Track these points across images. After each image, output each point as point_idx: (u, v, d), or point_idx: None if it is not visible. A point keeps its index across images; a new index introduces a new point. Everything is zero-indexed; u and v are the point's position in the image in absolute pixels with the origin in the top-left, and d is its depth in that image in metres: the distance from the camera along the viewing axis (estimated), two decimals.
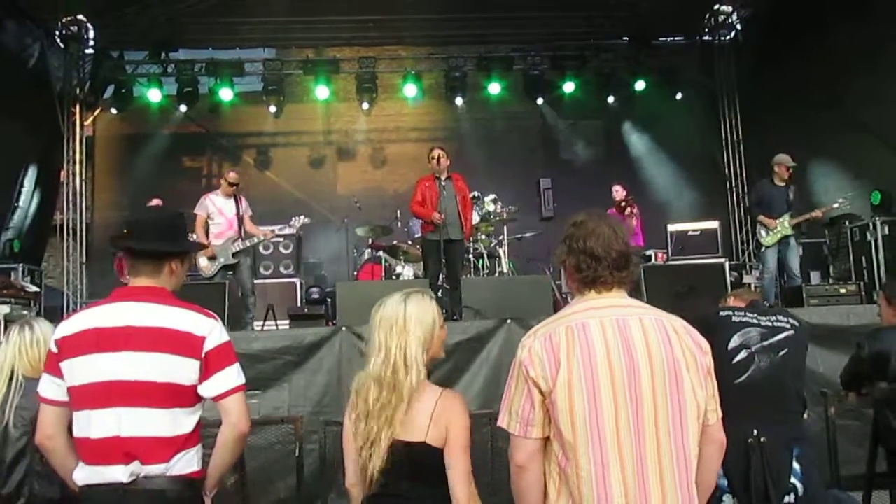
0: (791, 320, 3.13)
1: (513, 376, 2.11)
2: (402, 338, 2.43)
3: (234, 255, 7.63)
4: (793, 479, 2.88)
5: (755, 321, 3.08)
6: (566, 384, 1.99)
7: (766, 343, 3.00)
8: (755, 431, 2.88)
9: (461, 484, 2.35)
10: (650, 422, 1.99)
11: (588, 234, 2.16)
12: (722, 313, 3.16)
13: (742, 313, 3.13)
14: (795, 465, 2.90)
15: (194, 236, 7.62)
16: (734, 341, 3.00)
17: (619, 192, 9.81)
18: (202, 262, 7.67)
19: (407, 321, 2.45)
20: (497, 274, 9.33)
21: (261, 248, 9.77)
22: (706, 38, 13.11)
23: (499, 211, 9.54)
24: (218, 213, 7.75)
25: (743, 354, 2.99)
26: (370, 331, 2.52)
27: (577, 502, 1.99)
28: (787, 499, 2.86)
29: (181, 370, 2.39)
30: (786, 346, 3.02)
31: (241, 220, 7.80)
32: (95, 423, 2.34)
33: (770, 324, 3.08)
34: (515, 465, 2.09)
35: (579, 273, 2.17)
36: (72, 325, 2.45)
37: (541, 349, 2.05)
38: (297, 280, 9.94)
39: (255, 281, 8.38)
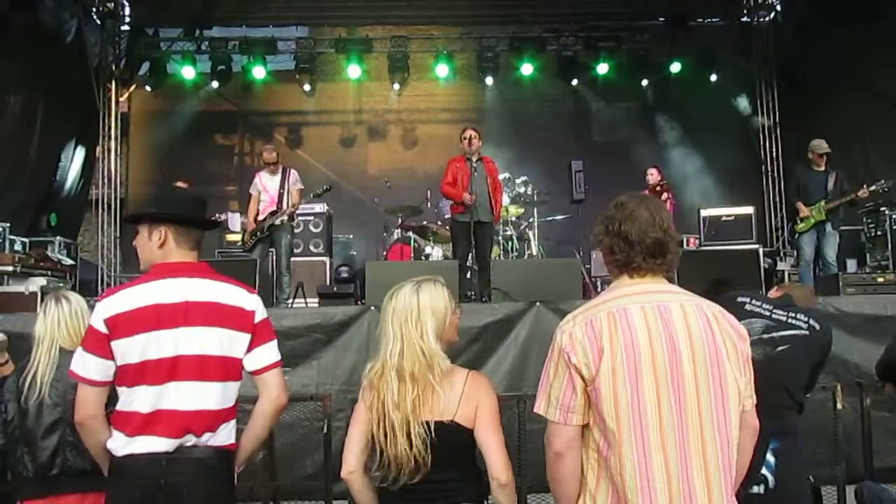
0: (811, 321, 3.03)
1: (552, 362, 2.07)
2: (419, 328, 2.43)
3: (268, 227, 7.73)
4: (764, 471, 2.85)
5: (766, 312, 3.00)
6: (610, 371, 1.96)
7: (765, 336, 2.93)
8: None
9: (500, 458, 2.37)
10: (693, 409, 1.96)
11: (626, 218, 2.11)
12: (739, 298, 3.08)
13: (758, 303, 3.05)
14: (770, 458, 2.87)
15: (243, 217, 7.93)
16: None
17: (653, 175, 9.67)
18: (246, 237, 7.99)
19: (421, 311, 2.44)
20: (526, 256, 9.29)
21: None
22: (744, 19, 12.83)
23: (529, 193, 9.48)
24: (263, 190, 7.94)
25: None
26: (382, 321, 2.52)
27: (620, 490, 1.96)
28: (754, 489, 2.82)
29: (237, 344, 2.46)
30: (789, 343, 2.94)
31: (283, 194, 7.87)
32: (151, 398, 2.36)
33: (783, 318, 2.99)
34: (553, 452, 2.05)
35: (612, 256, 2.15)
36: (123, 302, 2.41)
37: (582, 335, 2.01)
38: (326, 259, 9.98)
39: None
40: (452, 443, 2.37)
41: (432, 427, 2.34)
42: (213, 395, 2.41)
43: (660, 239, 2.10)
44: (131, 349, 2.38)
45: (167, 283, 2.46)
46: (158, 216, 2.59)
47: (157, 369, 2.37)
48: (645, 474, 1.93)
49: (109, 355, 2.40)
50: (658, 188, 9.45)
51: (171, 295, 2.43)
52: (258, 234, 7.74)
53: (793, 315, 3.03)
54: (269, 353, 2.53)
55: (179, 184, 9.27)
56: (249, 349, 2.49)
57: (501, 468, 2.35)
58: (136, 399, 2.38)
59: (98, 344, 2.40)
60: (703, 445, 1.96)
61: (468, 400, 2.39)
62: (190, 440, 2.36)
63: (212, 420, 2.40)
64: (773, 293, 3.41)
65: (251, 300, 2.53)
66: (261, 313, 2.54)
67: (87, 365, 2.41)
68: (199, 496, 2.34)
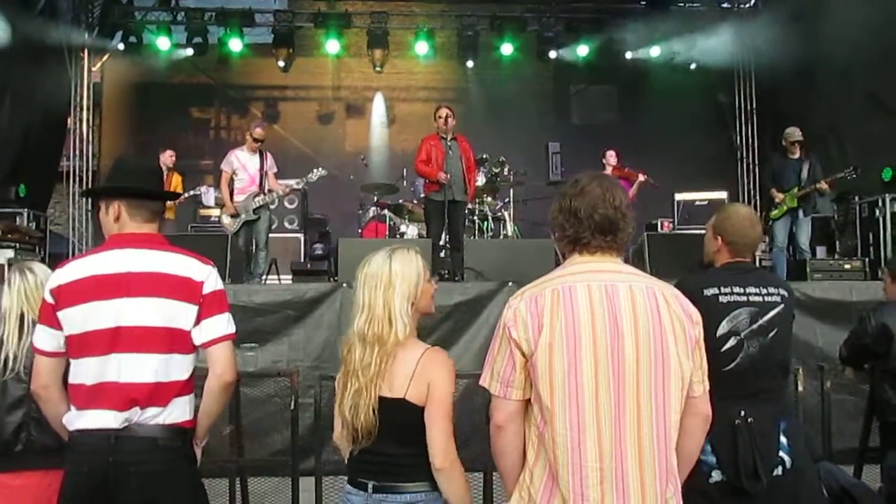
0: (781, 290, 2.99)
1: (497, 336, 2.09)
2: (387, 294, 2.40)
3: (254, 210, 7.65)
4: (781, 454, 2.86)
5: (744, 298, 2.90)
6: (547, 347, 1.97)
7: (755, 326, 2.87)
8: (742, 412, 2.81)
9: (439, 441, 2.32)
10: (631, 390, 1.97)
11: (577, 194, 2.11)
12: (707, 292, 2.87)
13: (729, 289, 2.91)
14: (783, 439, 2.85)
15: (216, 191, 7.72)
16: (723, 328, 2.83)
17: (611, 156, 9.62)
18: (225, 219, 7.73)
19: (392, 277, 2.41)
20: (502, 237, 9.30)
21: None
22: (725, 5, 12.86)
23: (506, 174, 9.47)
24: (242, 168, 7.75)
25: (732, 342, 2.84)
26: (355, 289, 2.49)
27: (553, 467, 1.99)
28: (775, 472, 2.84)
29: (182, 315, 2.41)
30: (776, 324, 2.90)
31: (263, 175, 7.78)
32: (94, 370, 2.35)
33: (761, 299, 2.91)
34: (495, 424, 2.09)
35: (563, 232, 2.14)
36: (67, 273, 2.43)
37: (525, 311, 2.02)
38: (301, 235, 9.94)
39: None
40: (402, 420, 2.35)
41: (384, 402, 2.33)
42: (155, 367, 2.36)
43: (609, 216, 2.08)
44: (74, 319, 2.38)
45: (112, 254, 2.45)
46: (110, 190, 2.58)
47: (97, 340, 2.36)
48: (577, 452, 1.95)
49: (58, 325, 2.41)
50: (626, 169, 9.44)
51: (113, 265, 2.41)
52: (243, 214, 7.60)
53: (765, 290, 2.95)
54: (217, 325, 2.46)
55: (167, 153, 9.12)
56: (198, 321, 2.43)
57: (439, 452, 2.31)
58: (81, 371, 2.38)
59: (47, 314, 2.43)
60: (639, 427, 1.96)
61: (420, 378, 2.35)
62: (136, 414, 2.34)
63: (157, 393, 2.36)
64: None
65: (202, 270, 2.47)
66: (212, 284, 2.47)
67: (39, 335, 2.46)
68: (148, 475, 2.33)
